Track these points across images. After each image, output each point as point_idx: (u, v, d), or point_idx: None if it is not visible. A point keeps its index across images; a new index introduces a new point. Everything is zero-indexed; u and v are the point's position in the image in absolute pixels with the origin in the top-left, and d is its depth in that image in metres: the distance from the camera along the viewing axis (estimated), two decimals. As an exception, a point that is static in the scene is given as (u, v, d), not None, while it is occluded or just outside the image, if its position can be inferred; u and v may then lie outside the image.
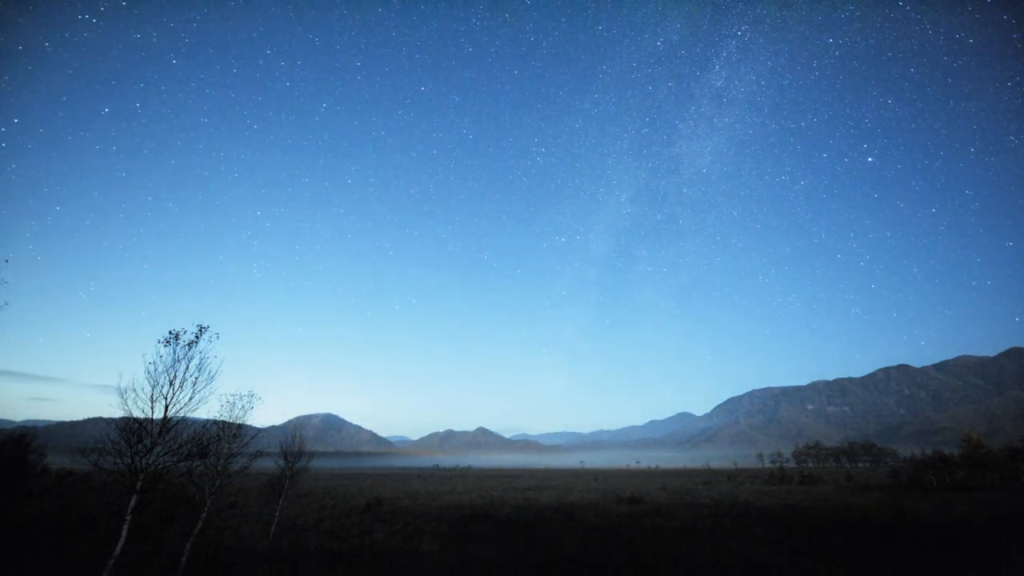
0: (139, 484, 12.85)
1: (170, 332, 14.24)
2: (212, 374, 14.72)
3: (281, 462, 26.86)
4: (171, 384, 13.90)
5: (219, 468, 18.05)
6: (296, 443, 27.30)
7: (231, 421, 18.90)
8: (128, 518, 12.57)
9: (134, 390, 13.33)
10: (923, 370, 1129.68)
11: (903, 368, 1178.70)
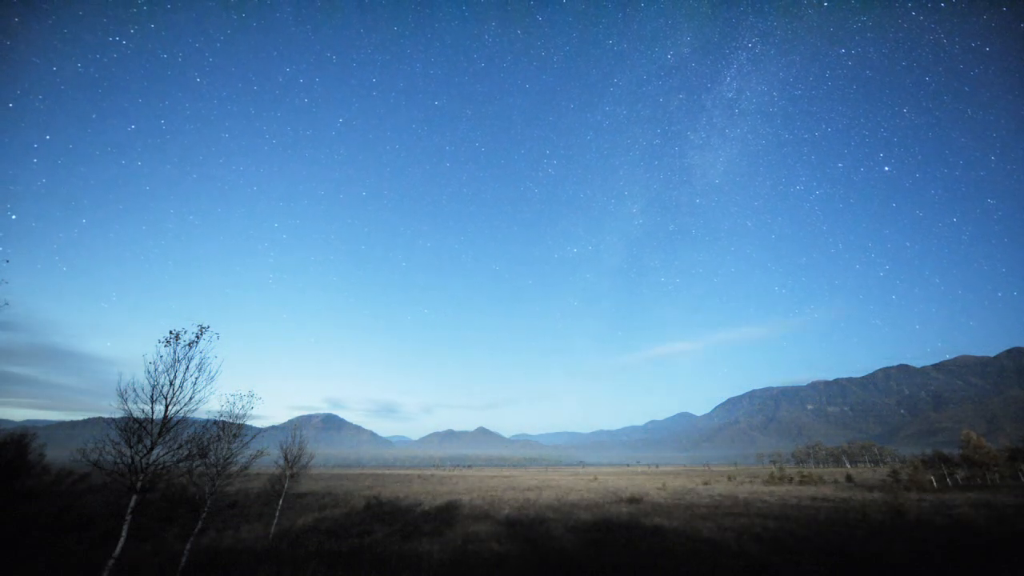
0: (139, 484, 12.84)
1: (171, 332, 14.23)
2: (212, 374, 14.69)
3: (281, 462, 26.86)
4: (171, 384, 13.87)
5: (219, 468, 18.04)
6: (296, 443, 27.30)
7: (231, 421, 18.89)
8: (128, 518, 12.56)
9: (134, 390, 13.32)
10: (923, 370, 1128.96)
11: (903, 368, 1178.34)
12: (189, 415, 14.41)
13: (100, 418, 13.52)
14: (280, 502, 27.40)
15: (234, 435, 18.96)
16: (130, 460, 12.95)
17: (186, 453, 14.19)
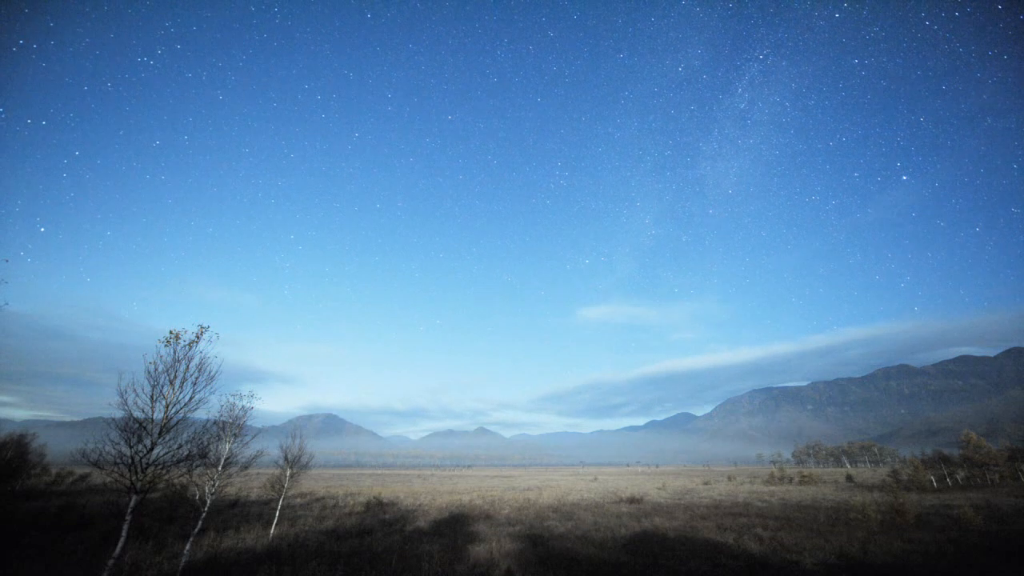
0: (139, 484, 12.83)
1: (171, 332, 14.21)
2: (212, 374, 14.66)
3: (281, 462, 26.85)
4: (171, 384, 13.86)
5: (219, 468, 18.03)
6: (296, 443, 27.29)
7: (231, 421, 18.87)
8: (128, 518, 12.55)
9: (134, 390, 13.30)
10: (923, 370, 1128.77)
11: (903, 368, 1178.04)
12: (189, 415, 14.39)
13: (100, 418, 13.49)
14: (280, 502, 27.40)
15: (234, 435, 18.95)
16: (130, 460, 12.92)
17: (186, 453, 14.15)
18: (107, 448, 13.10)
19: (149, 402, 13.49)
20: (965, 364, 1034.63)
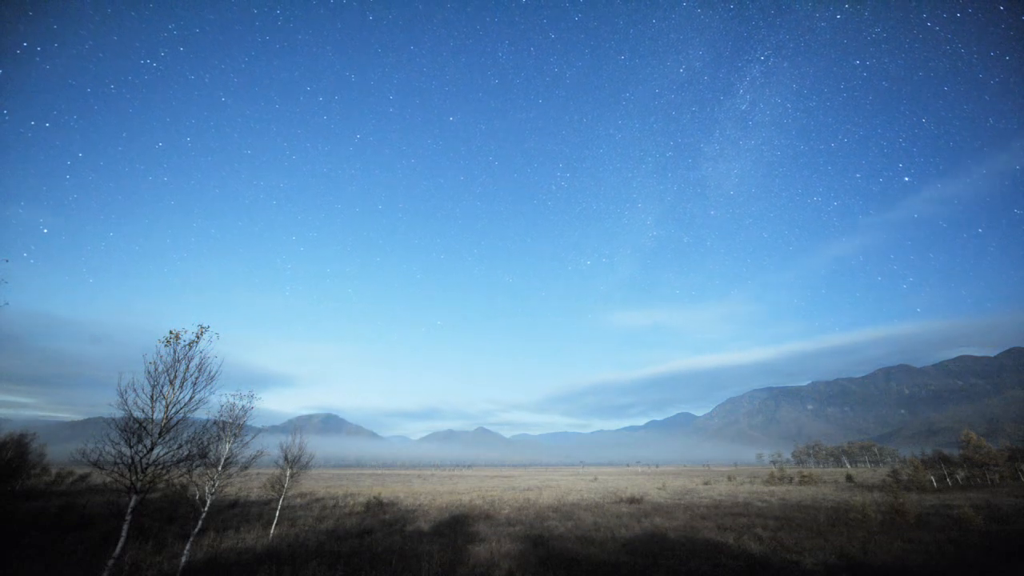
0: (139, 484, 12.82)
1: (171, 332, 14.21)
2: (212, 374, 14.65)
3: (281, 462, 26.85)
4: (171, 384, 13.85)
5: (219, 468, 18.02)
6: (296, 443, 27.29)
7: (231, 421, 18.86)
8: (128, 518, 12.55)
9: (134, 390, 13.30)
10: (923, 370, 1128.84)
11: (903, 368, 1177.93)
12: (189, 415, 14.38)
13: (100, 418, 13.47)
14: (280, 502, 27.40)
15: (234, 435, 18.93)
16: (130, 460, 12.92)
17: (186, 453, 14.14)
18: (107, 448, 13.10)
19: (149, 402, 13.48)
20: (965, 364, 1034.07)
